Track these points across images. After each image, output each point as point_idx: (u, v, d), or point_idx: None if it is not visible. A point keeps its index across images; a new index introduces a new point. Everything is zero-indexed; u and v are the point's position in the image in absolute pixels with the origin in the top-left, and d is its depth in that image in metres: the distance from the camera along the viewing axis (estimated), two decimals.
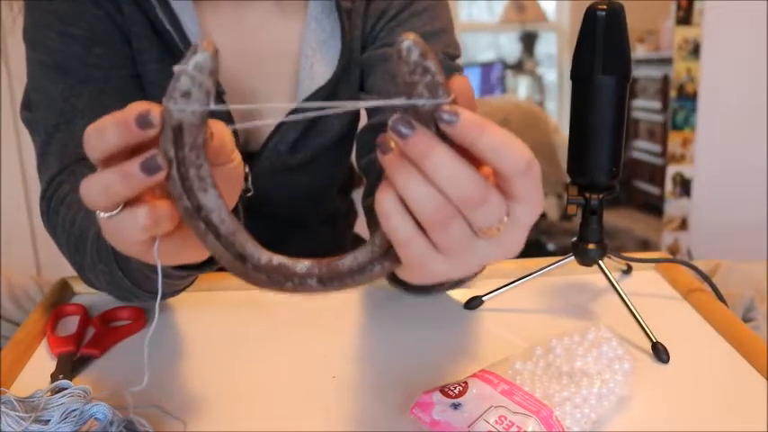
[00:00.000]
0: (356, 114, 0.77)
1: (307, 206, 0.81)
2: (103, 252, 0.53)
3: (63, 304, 0.66)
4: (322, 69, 0.71)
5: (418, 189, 0.34)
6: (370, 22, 0.72)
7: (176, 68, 0.33)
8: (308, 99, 0.70)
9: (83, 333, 0.62)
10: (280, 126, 0.71)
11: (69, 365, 0.57)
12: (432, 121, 0.33)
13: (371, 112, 0.74)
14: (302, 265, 0.38)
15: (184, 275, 0.49)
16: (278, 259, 0.38)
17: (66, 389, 0.50)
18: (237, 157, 0.40)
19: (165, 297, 0.63)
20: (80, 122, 0.63)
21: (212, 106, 0.34)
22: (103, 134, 0.34)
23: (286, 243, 0.82)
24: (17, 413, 0.46)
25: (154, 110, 0.34)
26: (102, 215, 0.36)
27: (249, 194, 0.73)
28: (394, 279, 0.55)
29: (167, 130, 0.34)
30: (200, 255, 0.40)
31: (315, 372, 0.57)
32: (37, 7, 0.65)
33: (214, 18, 0.70)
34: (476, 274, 0.53)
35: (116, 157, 0.35)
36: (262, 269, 0.37)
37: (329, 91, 0.70)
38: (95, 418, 0.47)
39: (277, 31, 0.72)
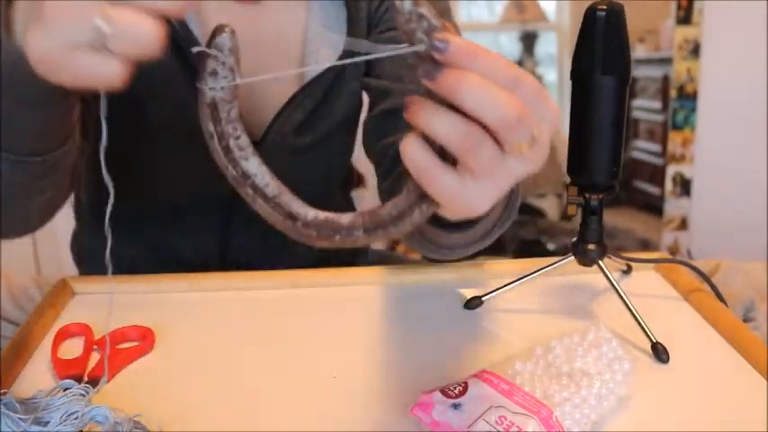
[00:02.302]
0: (359, 100, 0.78)
1: (311, 199, 0.81)
2: None
3: (66, 324, 0.62)
4: (327, 53, 0.71)
5: (444, 120, 0.35)
6: (375, 3, 0.73)
7: (196, 49, 0.36)
8: (314, 80, 0.70)
9: (89, 356, 0.58)
10: (285, 108, 0.71)
11: None
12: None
13: (375, 97, 0.74)
14: (347, 217, 0.40)
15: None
16: (323, 214, 0.40)
17: (69, 388, 0.50)
18: None
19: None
20: None
21: (238, 80, 0.37)
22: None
23: (289, 247, 0.82)
24: (17, 414, 0.46)
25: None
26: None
27: None
28: (441, 225, 0.54)
29: (204, 108, 0.38)
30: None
31: (315, 372, 0.57)
32: None
33: (213, 9, 0.69)
34: (507, 219, 0.56)
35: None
36: (311, 225, 0.40)
37: (335, 73, 0.71)
38: (96, 421, 0.47)
39: (279, 16, 0.72)
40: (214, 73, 0.37)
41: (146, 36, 0.35)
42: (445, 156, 0.37)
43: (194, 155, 0.73)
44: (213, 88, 0.37)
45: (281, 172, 0.82)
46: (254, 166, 0.39)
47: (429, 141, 0.37)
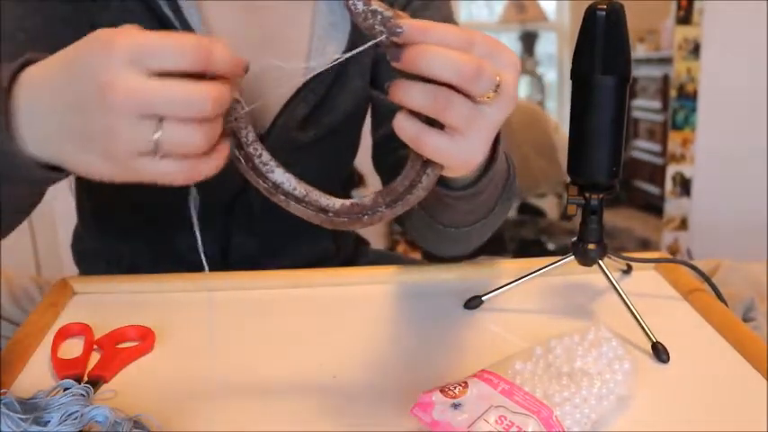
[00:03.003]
0: (363, 100, 0.78)
1: None
2: None
3: (66, 324, 0.62)
4: (332, 50, 0.72)
5: (416, 90, 0.41)
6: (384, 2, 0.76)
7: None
8: (317, 75, 0.71)
9: (89, 355, 0.58)
10: (289, 102, 0.72)
11: None
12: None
13: (384, 114, 0.77)
14: (368, 198, 0.45)
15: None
16: (348, 201, 0.45)
17: (69, 388, 0.50)
18: None
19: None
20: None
21: (246, 108, 0.42)
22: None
23: (290, 247, 0.83)
24: (17, 414, 0.46)
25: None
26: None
27: None
28: (449, 187, 0.58)
29: (230, 133, 0.42)
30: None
31: (315, 372, 0.57)
32: None
33: (218, 9, 0.70)
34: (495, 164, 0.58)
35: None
36: (341, 213, 0.45)
37: (338, 69, 0.72)
38: (96, 421, 0.47)
39: (286, 14, 0.73)
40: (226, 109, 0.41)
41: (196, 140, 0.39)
42: (433, 124, 0.42)
43: None
44: (230, 121, 0.42)
45: (286, 167, 0.84)
46: (280, 175, 0.44)
47: (416, 115, 0.42)
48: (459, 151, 0.42)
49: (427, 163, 0.44)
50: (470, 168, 0.46)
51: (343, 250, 0.88)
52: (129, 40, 0.38)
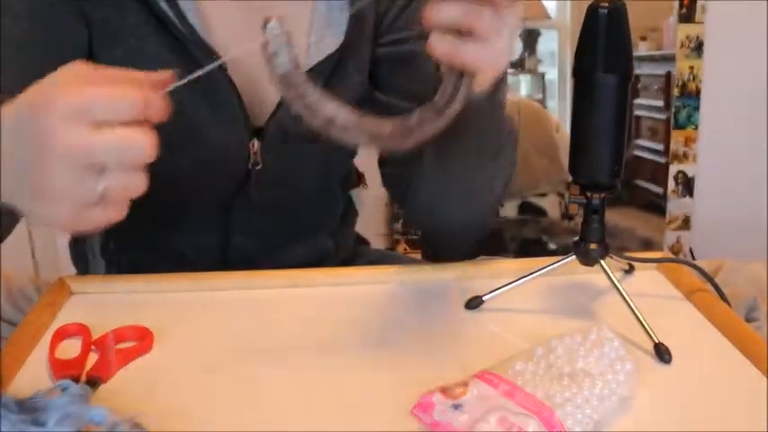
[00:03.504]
0: (362, 94, 0.78)
1: (312, 193, 0.81)
2: None
3: (64, 324, 0.62)
4: (330, 41, 0.72)
5: (450, 8, 0.48)
6: (382, 8, 0.75)
7: (258, 45, 0.46)
8: (317, 65, 0.71)
9: (86, 356, 0.58)
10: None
11: None
12: None
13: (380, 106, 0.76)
14: (413, 117, 0.49)
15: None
16: (395, 120, 0.49)
17: (67, 389, 0.49)
18: None
19: None
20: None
21: (296, 53, 0.46)
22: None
23: (290, 247, 0.82)
24: (15, 415, 0.46)
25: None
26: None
27: (258, 167, 0.73)
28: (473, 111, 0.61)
29: (277, 83, 0.46)
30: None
31: (314, 372, 0.56)
32: None
33: (217, 9, 0.70)
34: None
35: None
36: (392, 136, 0.48)
37: (334, 63, 0.72)
38: (94, 422, 0.47)
39: (284, 11, 0.72)
40: (276, 53, 0.45)
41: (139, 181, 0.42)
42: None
43: (195, 154, 0.73)
44: (281, 64, 0.45)
45: (284, 161, 0.84)
46: (332, 109, 0.47)
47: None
48: (490, 54, 0.50)
49: (461, 75, 0.50)
50: (499, 70, 0.54)
51: (342, 250, 0.88)
52: (69, 95, 0.40)
